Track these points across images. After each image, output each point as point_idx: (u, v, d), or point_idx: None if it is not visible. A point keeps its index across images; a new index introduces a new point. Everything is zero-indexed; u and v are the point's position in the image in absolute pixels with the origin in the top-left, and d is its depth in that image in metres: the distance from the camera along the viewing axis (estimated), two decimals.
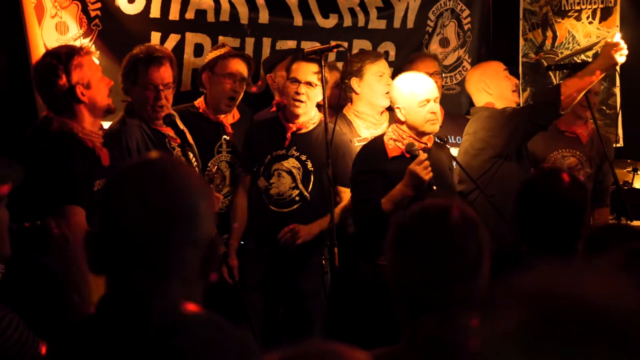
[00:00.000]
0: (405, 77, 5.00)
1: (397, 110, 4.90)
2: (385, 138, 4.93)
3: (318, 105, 5.23)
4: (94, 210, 3.95)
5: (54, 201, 3.89)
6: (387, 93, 5.46)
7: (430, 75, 5.78)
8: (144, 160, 2.23)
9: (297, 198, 5.19)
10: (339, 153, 5.16)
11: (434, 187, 4.64)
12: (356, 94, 5.56)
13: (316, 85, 5.10)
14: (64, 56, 4.11)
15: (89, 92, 4.12)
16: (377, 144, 4.96)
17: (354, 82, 5.53)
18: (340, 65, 6.17)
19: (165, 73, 4.69)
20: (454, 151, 5.45)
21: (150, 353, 1.82)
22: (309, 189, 5.19)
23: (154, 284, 1.90)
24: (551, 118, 5.23)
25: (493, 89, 5.58)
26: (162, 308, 1.86)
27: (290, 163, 5.21)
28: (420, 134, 4.89)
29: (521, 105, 6.80)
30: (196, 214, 1.93)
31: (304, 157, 5.20)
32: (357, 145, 5.47)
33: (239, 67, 5.38)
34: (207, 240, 1.94)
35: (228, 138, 5.37)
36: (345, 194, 5.22)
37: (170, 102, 4.77)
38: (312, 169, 5.19)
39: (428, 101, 4.84)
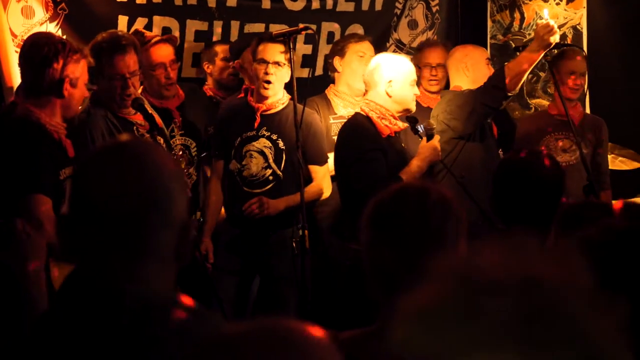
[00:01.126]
0: (396, 56, 5.16)
1: (387, 85, 4.91)
2: (373, 116, 4.92)
3: (286, 87, 5.23)
4: (60, 199, 3.96)
5: (20, 189, 3.86)
6: None
7: (435, 66, 5.83)
8: (116, 143, 2.22)
9: (270, 177, 5.19)
10: (309, 132, 5.17)
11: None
12: (337, 72, 5.60)
13: (284, 64, 5.09)
14: (68, 46, 4.08)
15: (72, 90, 4.07)
16: (366, 122, 4.94)
17: (336, 61, 5.59)
18: None
19: (131, 60, 4.63)
20: None
21: (123, 339, 1.81)
22: (282, 167, 5.18)
23: (128, 268, 1.88)
24: (499, 100, 5.25)
25: (472, 72, 5.59)
26: (135, 293, 1.85)
27: (262, 143, 5.20)
28: (403, 111, 4.97)
29: None
30: (170, 196, 1.91)
31: (274, 137, 5.20)
32: (332, 122, 5.50)
33: (164, 52, 5.30)
34: (181, 223, 1.93)
35: (177, 122, 5.33)
36: (317, 173, 5.24)
37: (137, 88, 4.73)
38: (283, 147, 5.18)
39: (416, 82, 5.03)
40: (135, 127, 4.72)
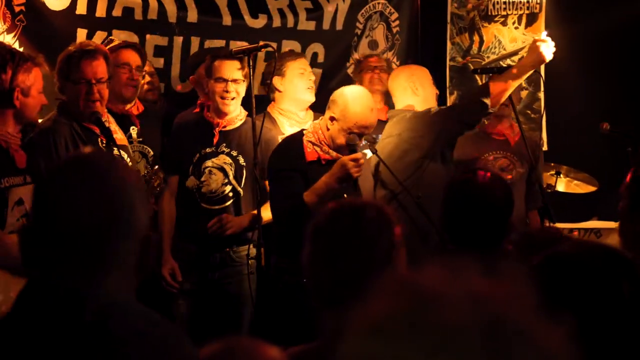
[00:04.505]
0: (359, 98, 4.79)
1: (330, 117, 4.79)
2: (305, 140, 4.85)
3: (244, 103, 5.21)
4: (2, 207, 3.93)
5: None
6: (310, 88, 5.48)
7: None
8: (79, 156, 2.24)
9: (230, 194, 5.16)
10: (270, 148, 5.13)
11: (358, 189, 4.62)
12: (279, 92, 5.55)
13: (241, 81, 5.08)
14: (18, 56, 4.06)
15: (24, 99, 4.04)
16: (295, 143, 4.87)
17: (277, 81, 5.52)
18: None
19: (99, 67, 4.61)
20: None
21: (84, 340, 1.81)
22: (242, 184, 5.17)
23: (89, 276, 1.90)
24: (480, 117, 5.22)
25: (421, 91, 5.52)
26: (96, 297, 1.86)
27: (221, 159, 5.17)
28: (336, 149, 4.80)
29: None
30: (131, 209, 1.94)
31: (235, 153, 5.18)
32: None
33: (131, 56, 5.31)
34: (141, 235, 1.95)
35: (136, 128, 5.31)
36: None
37: (105, 98, 4.67)
38: (244, 164, 5.17)
39: (356, 135, 4.74)
40: (99, 139, 4.68)
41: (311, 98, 5.58)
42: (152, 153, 5.34)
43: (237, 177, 5.17)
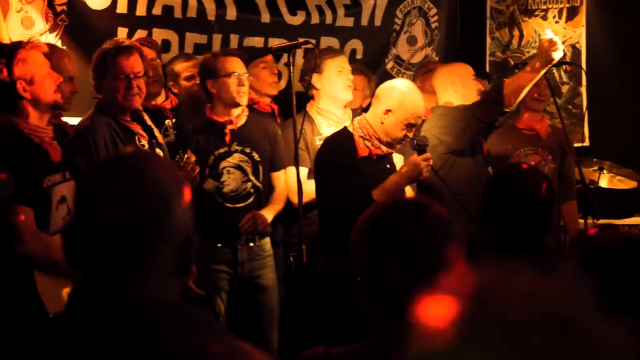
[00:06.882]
0: (414, 90, 4.86)
1: (384, 110, 4.75)
2: (356, 135, 4.81)
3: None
4: (46, 207, 3.93)
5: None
6: (349, 87, 5.46)
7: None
8: (118, 156, 2.22)
9: (251, 190, 5.19)
10: (277, 141, 5.28)
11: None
12: (316, 89, 5.54)
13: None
14: (7, 49, 4.00)
15: (31, 88, 3.96)
16: (347, 139, 4.83)
17: (315, 78, 5.49)
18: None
19: (135, 62, 4.58)
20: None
21: (128, 342, 1.81)
22: (260, 179, 5.21)
23: (130, 278, 1.88)
24: (495, 115, 5.19)
25: (460, 88, 5.53)
26: (139, 298, 1.85)
27: (236, 158, 5.19)
28: (387, 143, 4.82)
29: None
30: (171, 211, 1.90)
31: (248, 150, 5.20)
32: (319, 144, 5.40)
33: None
34: (183, 236, 1.92)
35: (171, 122, 5.32)
36: (280, 179, 5.31)
37: (144, 92, 4.61)
38: (259, 159, 5.21)
39: (411, 128, 4.80)
40: (137, 137, 4.68)
41: (349, 97, 5.55)
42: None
43: (255, 173, 5.21)
